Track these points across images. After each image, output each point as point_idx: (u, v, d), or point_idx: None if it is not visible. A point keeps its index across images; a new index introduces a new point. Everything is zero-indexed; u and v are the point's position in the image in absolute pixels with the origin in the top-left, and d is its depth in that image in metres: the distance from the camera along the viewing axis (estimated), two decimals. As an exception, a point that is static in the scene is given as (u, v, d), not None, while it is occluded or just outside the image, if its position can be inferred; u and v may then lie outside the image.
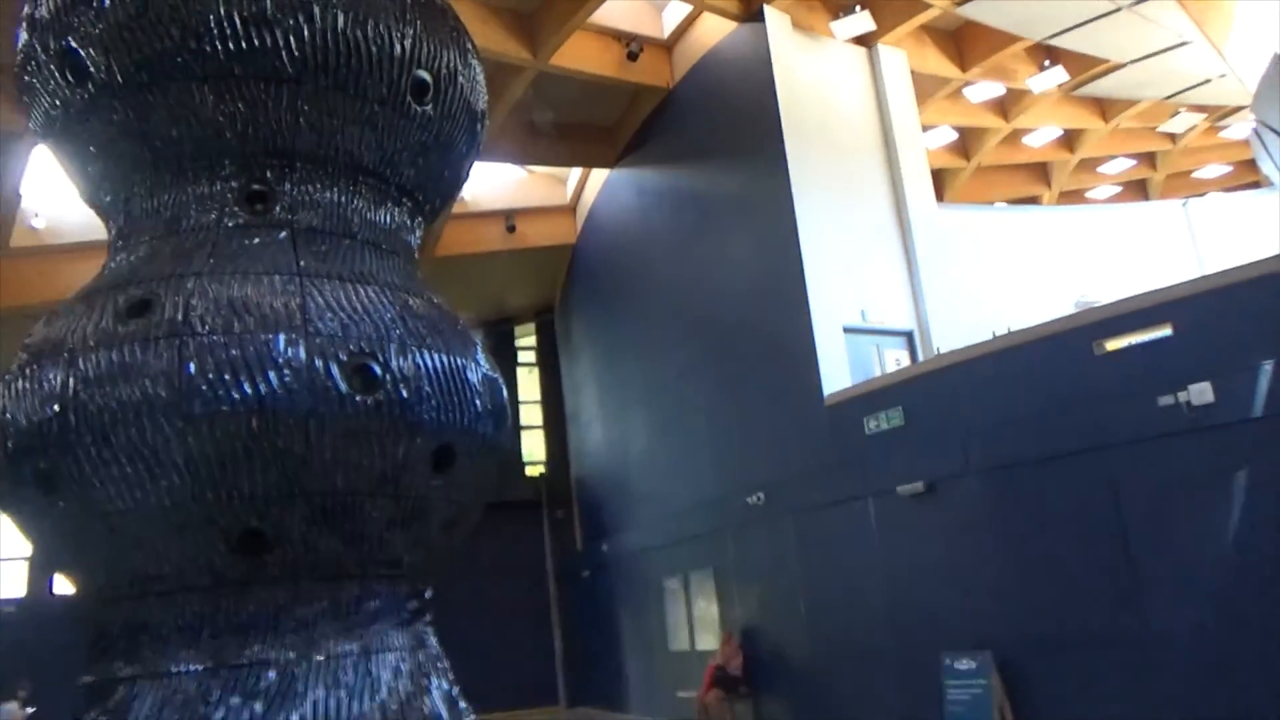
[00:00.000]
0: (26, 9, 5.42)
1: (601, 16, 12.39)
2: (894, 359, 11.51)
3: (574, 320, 19.34)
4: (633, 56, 13.11)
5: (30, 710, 10.87)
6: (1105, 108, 19.07)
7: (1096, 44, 14.89)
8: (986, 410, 8.63)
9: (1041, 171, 21.78)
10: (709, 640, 12.17)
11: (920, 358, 11.42)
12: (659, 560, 13.95)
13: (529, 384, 20.91)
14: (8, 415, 4.72)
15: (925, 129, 15.29)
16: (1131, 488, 7.32)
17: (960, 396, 8.93)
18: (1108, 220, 16.31)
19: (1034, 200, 21.70)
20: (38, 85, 5.37)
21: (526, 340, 21.28)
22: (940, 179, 18.59)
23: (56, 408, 4.51)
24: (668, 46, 14.10)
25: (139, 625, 4.78)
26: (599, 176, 16.91)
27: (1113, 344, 7.64)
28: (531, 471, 19.96)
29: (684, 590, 13.07)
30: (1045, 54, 15.62)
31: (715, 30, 12.96)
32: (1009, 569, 8.19)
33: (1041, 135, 19.57)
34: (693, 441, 13.33)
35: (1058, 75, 15.59)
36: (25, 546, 15.11)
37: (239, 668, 4.63)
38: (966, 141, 19.14)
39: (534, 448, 20.48)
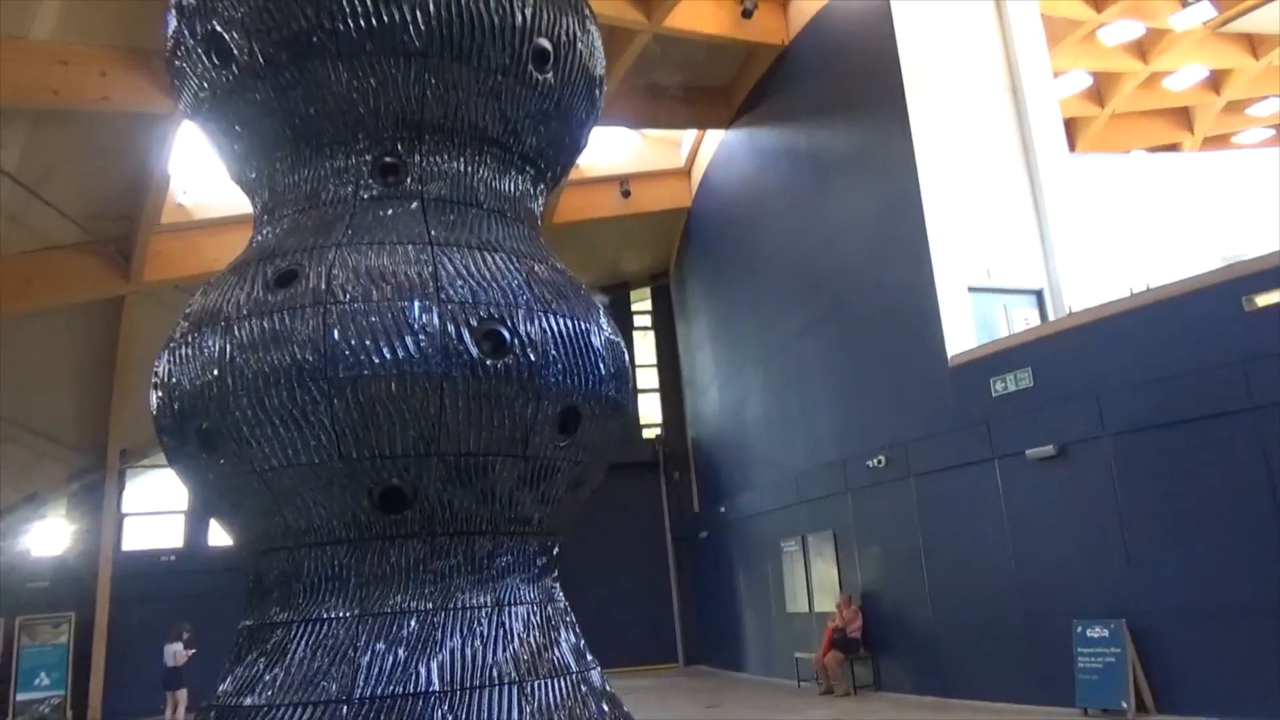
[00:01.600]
0: (174, -5, 5.73)
1: (715, -26, 12.25)
2: (1022, 318, 11.12)
3: (689, 283, 19.36)
4: (747, 14, 12.92)
5: (192, 650, 11.74)
6: (1256, 44, 17.76)
7: (1249, -25, 13.85)
8: (1123, 371, 8.27)
9: (1183, 116, 20.47)
10: (827, 603, 12.16)
11: (1051, 316, 11.00)
12: (777, 522, 13.96)
13: (645, 348, 21.10)
14: (173, 379, 5.08)
15: (1056, 75, 14.56)
16: (1282, 450, 6.93)
17: (1095, 356, 8.58)
18: (1257, 166, 15.22)
19: (1175, 147, 20.44)
20: (186, 69, 5.69)
21: (642, 304, 21.43)
22: (1072, 127, 17.71)
23: (216, 372, 4.84)
24: (782, 2, 13.82)
25: (292, 574, 5.11)
26: (714, 138, 16.79)
27: (1264, 299, 7.20)
28: (648, 434, 20.20)
29: (802, 552, 13.06)
30: (1190, -11, 14.63)
31: (832, -18, 12.63)
32: (1145, 535, 7.88)
33: (1184, 77, 18.36)
34: (811, 403, 13.24)
35: (1203, 11, 14.61)
36: (182, 500, 16.26)
37: (383, 616, 4.90)
38: (1101, 87, 18.15)
39: (650, 411, 20.70)
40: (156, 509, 16.50)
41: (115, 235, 12.42)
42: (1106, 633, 7.88)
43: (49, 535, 15.78)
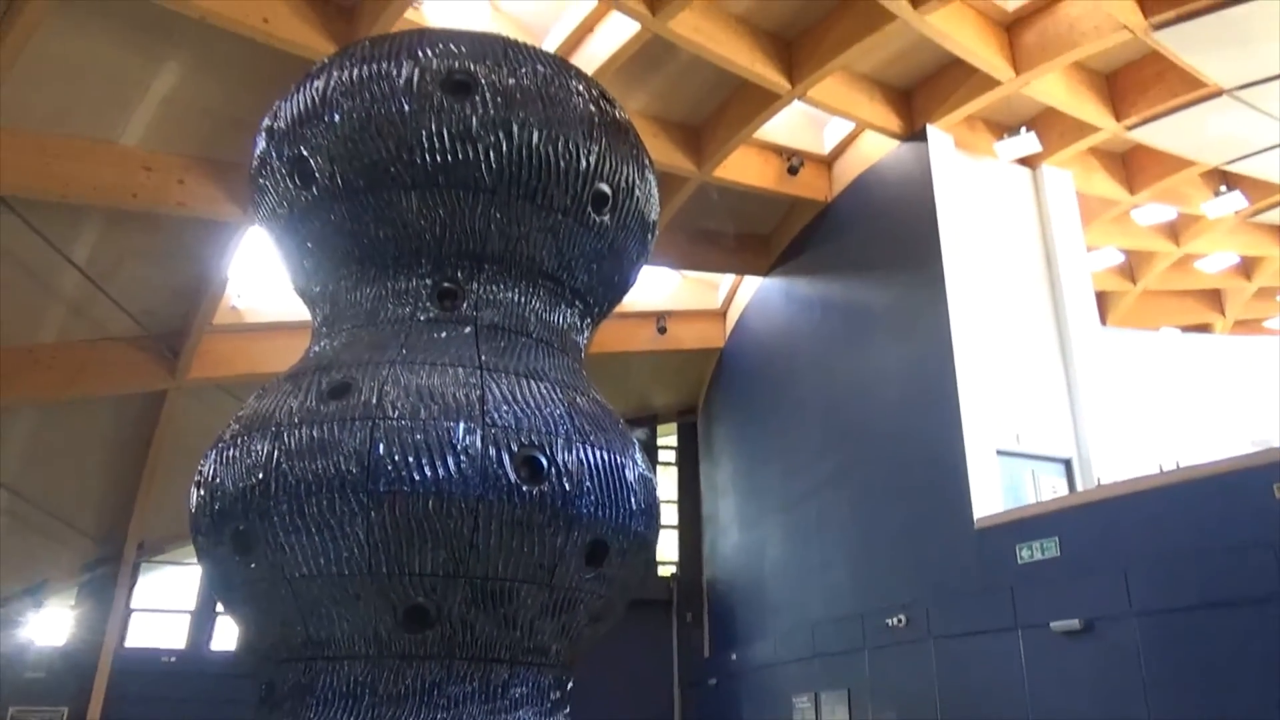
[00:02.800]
0: (266, 121, 6.16)
1: (764, 132, 12.86)
2: (1050, 486, 11.08)
3: (716, 423, 19.47)
4: (793, 171, 13.48)
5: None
6: (1289, 235, 18.19)
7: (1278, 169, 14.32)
8: (1152, 548, 8.18)
9: (1215, 298, 20.77)
10: (840, 768, 11.69)
11: (1079, 487, 10.95)
12: (789, 675, 13.57)
13: (667, 483, 21.04)
14: (217, 479, 5.21)
15: (1090, 250, 14.94)
16: (1319, 646, 6.76)
17: (1123, 531, 8.50)
18: (1290, 354, 15.33)
19: (1206, 328, 20.64)
20: (268, 186, 6.05)
21: (667, 439, 21.50)
22: (1104, 301, 18.01)
23: (260, 476, 4.96)
24: (828, 162, 14.44)
25: (306, 687, 5.08)
26: (751, 283, 17.23)
27: (1298, 488, 7.17)
28: (663, 572, 19.91)
29: (814, 710, 12.64)
30: (1221, 179, 15.12)
31: (876, 148, 13.22)
32: (1172, 717, 7.62)
33: (1215, 261, 18.73)
34: (832, 554, 13.08)
35: (1235, 201, 15.03)
36: (190, 600, 16.13)
37: (394, 737, 4.84)
38: (1134, 264, 18.54)
39: (667, 548, 20.47)
40: (164, 606, 16.36)
41: (168, 332, 12.82)
42: (1132, 825, 7.52)
43: (53, 625, 15.64)
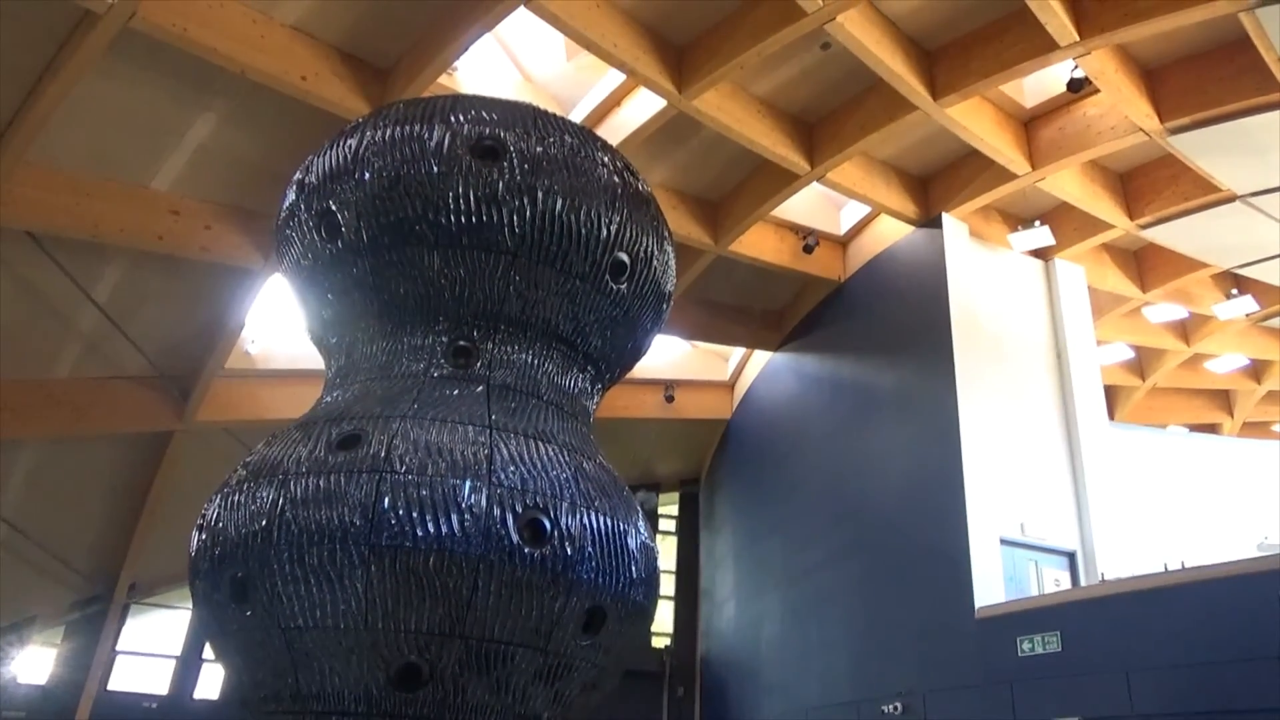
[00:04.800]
0: (297, 174, 6.31)
1: (782, 210, 13.07)
2: (1053, 578, 10.96)
3: (719, 495, 19.36)
4: (808, 249, 13.66)
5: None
6: (1298, 341, 18.25)
7: (1290, 277, 14.45)
8: (1156, 648, 8.06)
9: (1224, 398, 20.75)
10: None
11: (1082, 580, 10.83)
12: (782, 759, 13.28)
13: (665, 553, 20.84)
14: (219, 524, 5.21)
15: (1100, 344, 15.01)
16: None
17: (1126, 629, 8.39)
18: (1298, 459, 15.26)
19: (1214, 428, 20.58)
20: (295, 237, 6.17)
21: (668, 509, 21.36)
22: (1113, 396, 18.02)
23: (264, 523, 4.96)
24: (843, 242, 14.63)
25: (293, 740, 5.01)
26: (761, 357, 17.31)
27: (1305, 596, 7.09)
28: (657, 643, 19.59)
29: (806, 796, 12.33)
30: (1233, 282, 15.25)
31: (891, 232, 13.40)
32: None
33: (1225, 362, 18.77)
34: (830, 635, 12.89)
35: (1246, 305, 15.14)
36: (176, 646, 15.93)
37: (378, 799, 4.76)
38: (1143, 361, 18.58)
39: (663, 618, 20.18)
40: (150, 650, 16.14)
41: (179, 374, 12.90)
42: None
43: (36, 663, 15.43)
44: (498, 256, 5.71)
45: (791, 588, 14.56)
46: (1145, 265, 15.22)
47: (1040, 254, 13.31)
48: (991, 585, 10.11)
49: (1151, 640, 8.13)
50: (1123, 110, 11.11)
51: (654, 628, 19.96)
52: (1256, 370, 19.40)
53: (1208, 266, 14.59)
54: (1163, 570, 9.16)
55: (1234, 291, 15.25)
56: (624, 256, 6.12)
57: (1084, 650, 8.68)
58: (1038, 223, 12.59)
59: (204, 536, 5.36)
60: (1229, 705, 7.29)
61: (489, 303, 5.80)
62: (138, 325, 11.82)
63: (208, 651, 15.05)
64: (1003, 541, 10.62)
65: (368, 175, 5.71)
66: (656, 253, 6.43)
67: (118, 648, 15.54)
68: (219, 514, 5.27)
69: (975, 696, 9.57)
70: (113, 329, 11.50)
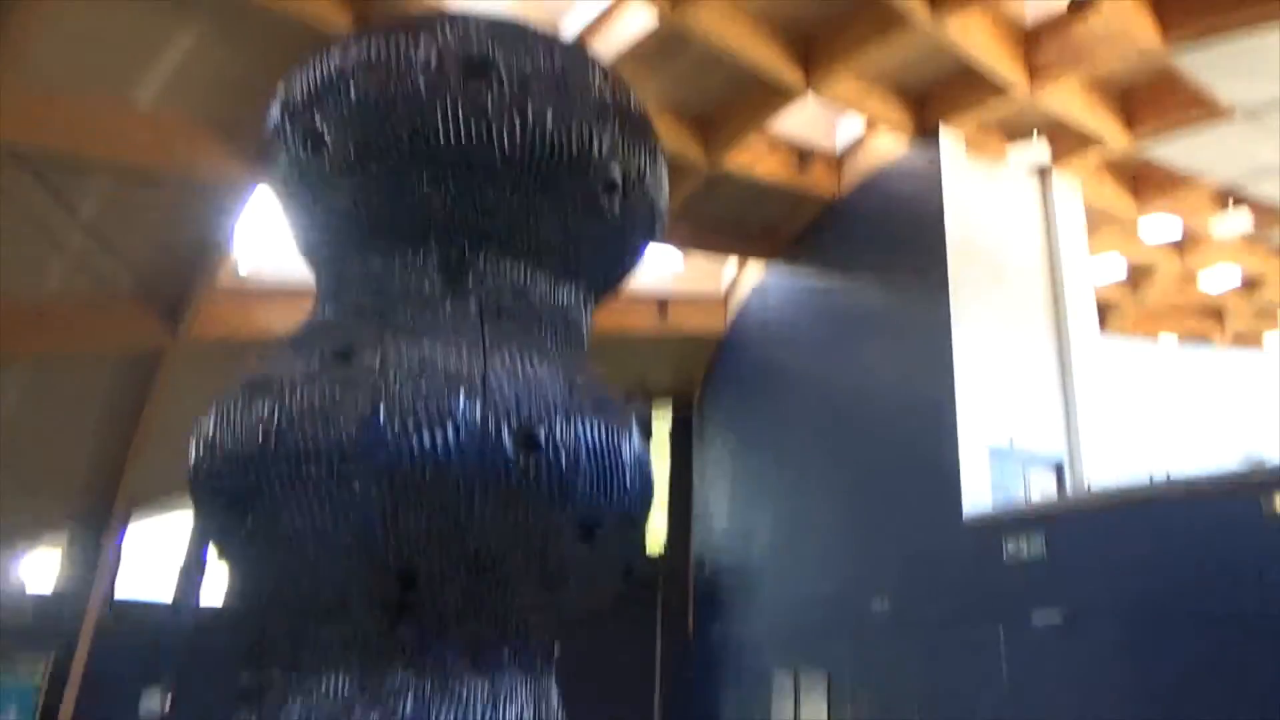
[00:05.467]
0: (281, 90, 6.20)
1: (776, 125, 12.89)
2: (1040, 486, 11.19)
3: (711, 409, 19.58)
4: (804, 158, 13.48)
5: (168, 709, 11.62)
6: (1292, 255, 18.24)
7: (1287, 191, 14.37)
8: (1138, 555, 8.30)
9: (1215, 313, 20.83)
10: (814, 751, 11.85)
11: (1068, 489, 11.07)
12: (771, 654, 13.75)
13: (659, 466, 21.15)
14: (215, 438, 5.29)
15: (1093, 259, 15.00)
16: (1290, 661, 6.89)
17: (1110, 536, 8.62)
18: (1286, 371, 15.43)
19: (1205, 339, 20.71)
20: (280, 156, 6.10)
21: (662, 423, 21.60)
22: (1105, 310, 18.07)
23: (260, 436, 5.04)
24: (838, 159, 14.47)
25: (296, 640, 5.19)
26: (755, 272, 17.28)
27: (1282, 505, 7.27)
28: (651, 551, 20.04)
29: (794, 688, 12.82)
30: (1229, 198, 15.16)
31: (887, 148, 13.25)
32: (1144, 717, 7.76)
33: (1218, 277, 18.79)
34: (820, 544, 13.21)
35: (1241, 221, 15.10)
36: (178, 554, 16.27)
37: (381, 692, 4.95)
38: (1136, 276, 18.61)
39: (657, 529, 20.60)
40: (153, 558, 16.46)
41: (169, 292, 12.87)
42: (1097, 825, 7.67)
43: (40, 571, 15.76)
44: (487, 174, 5.66)
45: (784, 497, 14.85)
46: (1142, 182, 15.11)
47: (1037, 171, 13.19)
48: (980, 492, 10.34)
49: (1134, 547, 8.36)
50: (1123, 26, 10.89)
51: (648, 537, 20.41)
52: (1249, 285, 19.43)
53: (1204, 183, 14.49)
54: (1147, 483, 9.36)
55: (1230, 208, 15.18)
56: (616, 174, 6.08)
57: (1068, 554, 8.93)
58: (1035, 137, 12.45)
59: (200, 450, 5.45)
60: (1206, 612, 7.54)
61: (479, 221, 5.77)
62: (124, 243, 11.74)
63: (209, 559, 15.39)
64: (992, 452, 10.81)
65: (353, 91, 5.62)
66: (649, 170, 6.38)
67: (121, 556, 15.84)
68: (215, 428, 5.34)
69: (961, 597, 9.89)
70: (99, 247, 11.43)
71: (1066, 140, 12.95)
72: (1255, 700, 7.02)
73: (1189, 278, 18.82)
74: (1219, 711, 7.24)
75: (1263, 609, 7.09)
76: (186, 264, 12.56)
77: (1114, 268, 17.73)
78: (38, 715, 13.96)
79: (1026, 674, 8.90)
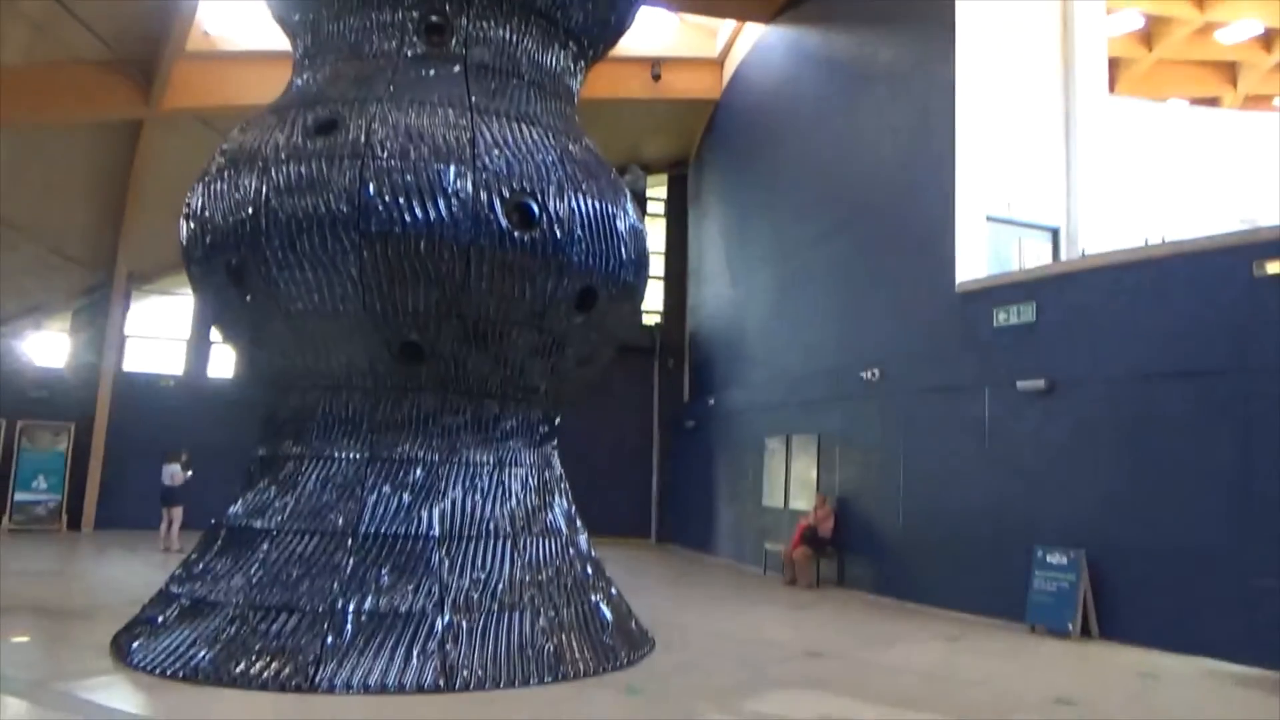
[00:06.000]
0: None
1: None
2: (1035, 254, 11.20)
3: (707, 176, 19.24)
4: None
5: (189, 474, 12.17)
6: (1318, 4, 17.24)
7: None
8: (1126, 319, 8.42)
9: (1229, 70, 20.00)
10: (803, 501, 12.60)
11: (1064, 255, 11.08)
12: (763, 419, 14.30)
13: (654, 235, 21.05)
14: (206, 213, 5.21)
15: (1109, 12, 14.19)
16: (1267, 413, 7.18)
17: (1100, 301, 8.72)
18: (1294, 131, 15.03)
19: (1215, 101, 20.05)
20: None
21: (657, 191, 21.30)
22: (1116, 68, 17.33)
23: (250, 211, 4.96)
24: (843, -102, 13.35)
25: (307, 412, 5.36)
26: (751, 33, 16.40)
27: (1275, 266, 7.32)
28: (647, 320, 20.38)
29: (785, 451, 13.44)
30: (1262, -63, 14.14)
31: (898, -117, 12.18)
32: (1119, 475, 8.19)
33: (1236, 30, 17.86)
34: (813, 309, 13.40)
35: (1272, -37, 14.13)
36: (185, 328, 16.52)
37: (391, 461, 5.18)
38: (1151, 29, 17.68)
39: (652, 297, 20.82)
40: (159, 334, 16.74)
41: (139, 57, 12.23)
42: (1065, 560, 8.27)
43: (52, 347, 16.06)
44: (466, -82, 5.24)
45: (778, 265, 14.89)
46: (1171, -82, 14.03)
47: (1059, -93, 12.20)
48: (974, 261, 10.34)
49: (1123, 312, 8.47)
50: None
51: (644, 305, 20.67)
52: (1268, 38, 18.54)
53: (1238, -81, 13.47)
54: (1142, 245, 9.35)
55: (1261, -52, 14.21)
56: (605, -85, 5.63)
57: (1058, 321, 9.06)
58: None
59: (193, 226, 5.39)
60: (1186, 367, 7.75)
61: (460, -29, 5.40)
62: (86, 5, 11.02)
63: (216, 335, 15.65)
64: (989, 219, 10.71)
65: None
66: (640, -89, 5.90)
67: (126, 332, 16.10)
68: (203, 203, 5.26)
69: (949, 364, 10.13)
70: (61, 10, 10.73)
71: (1094, -127, 11.90)
72: (1219, 452, 7.38)
73: (1207, 33, 17.96)
74: (1183, 465, 7.63)
75: (1242, 364, 7.30)
76: (152, 24, 11.86)
77: (1129, 19, 16.86)
78: (66, 484, 14.74)
79: (1008, 434, 9.28)
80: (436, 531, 5.00)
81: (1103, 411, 8.50)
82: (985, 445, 9.61)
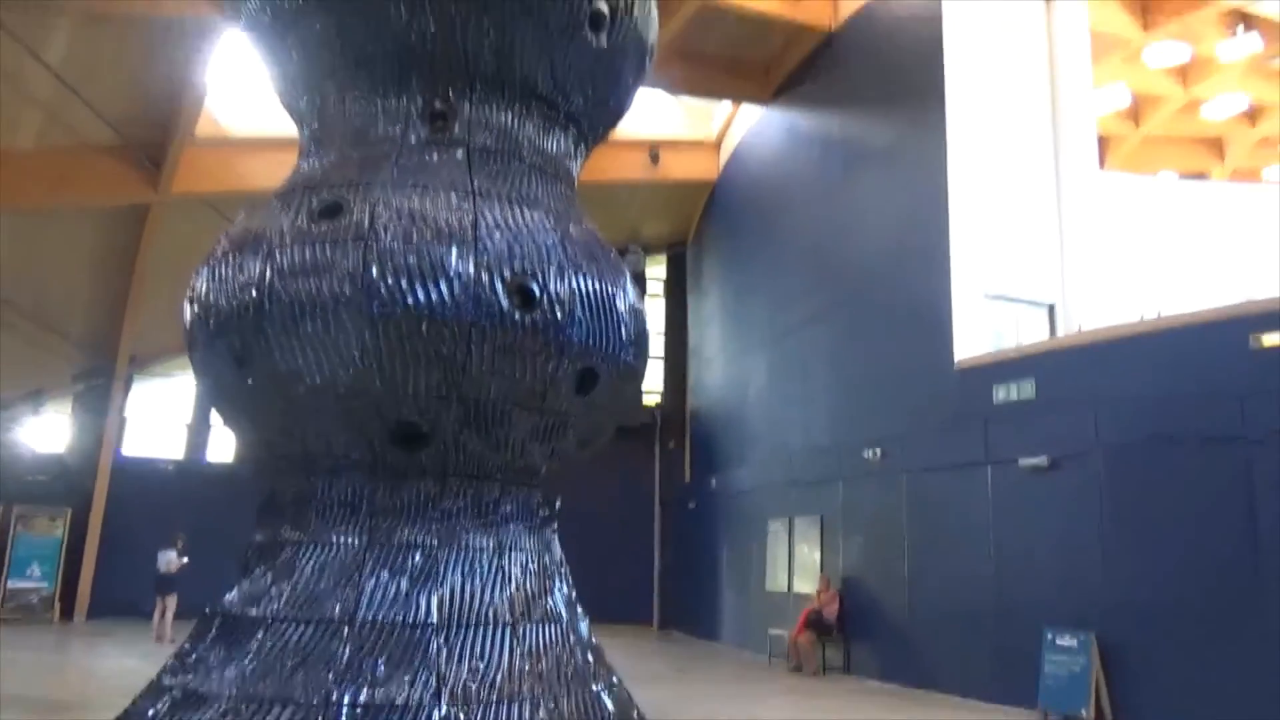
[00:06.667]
0: (245, -87, 5.79)
1: (771, -49, 12.22)
2: (1032, 329, 11.25)
3: (706, 256, 19.45)
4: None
5: (185, 559, 12.00)
6: (1300, 82, 17.67)
7: (1302, 13, 13.80)
8: (1125, 391, 8.42)
9: (1216, 145, 20.42)
10: (806, 584, 12.41)
11: (1060, 330, 11.12)
12: (765, 501, 14.18)
13: (654, 314, 21.20)
14: (210, 296, 5.22)
15: (1096, 89, 14.54)
16: (1270, 485, 7.11)
17: (1098, 374, 8.72)
18: (1283, 204, 15.26)
19: (1204, 175, 20.41)
20: (248, -17, 5.76)
21: (656, 270, 21.52)
22: (1105, 144, 17.70)
23: (254, 294, 4.96)
24: (835, -14, 13.80)
25: (306, 496, 5.29)
26: (747, 114, 16.79)
27: (1270, 339, 7.34)
28: (648, 400, 20.37)
29: (787, 533, 13.29)
30: (1240, 19, 14.57)
31: (886, -28, 12.59)
32: (1125, 551, 8.08)
33: (1222, 106, 18.30)
34: (813, 388, 13.39)
35: (1252, 43, 14.56)
36: (185, 412, 16.49)
37: (390, 546, 5.09)
38: (1139, 106, 18.11)
39: (652, 377, 20.84)
40: (160, 417, 16.72)
41: (148, 142, 12.50)
42: (1075, 643, 8.10)
43: (51, 431, 16.02)
44: (469, 7, 5.37)
45: (777, 344, 14.95)
46: (1150, 2, 14.46)
47: (1043, -6, 12.59)
48: (972, 337, 10.39)
49: (1121, 384, 8.47)
50: None
51: (644, 386, 20.66)
52: (1253, 113, 18.97)
53: (1215, 2, 13.88)
54: (1138, 318, 9.39)
55: (1240, 29, 14.62)
56: (603, 5, 5.77)
57: (1057, 396, 9.06)
58: (1042, -42, 11.83)
59: (196, 309, 5.39)
60: (1189, 437, 7.72)
61: (463, 59, 5.52)
62: (96, 91, 11.30)
63: (216, 418, 15.62)
64: (985, 296, 10.80)
65: (322, -85, 5.26)
66: (638, 2, 6.06)
67: (127, 415, 16.07)
68: (208, 286, 5.27)
69: (950, 441, 10.09)
70: (71, 97, 11.00)
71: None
72: (1224, 524, 7.29)
73: (1192, 109, 18.37)
74: (1189, 538, 7.52)
75: (1241, 435, 7.26)
76: (162, 111, 12.14)
77: (1117, 97, 17.26)
78: (60, 571, 14.53)
79: (1012, 512, 9.19)
80: (434, 619, 4.88)
81: (1106, 488, 8.43)
82: (990, 524, 9.51)
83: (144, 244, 13.93)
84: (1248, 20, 14.59)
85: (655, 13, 6.48)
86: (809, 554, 12.63)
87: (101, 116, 11.52)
